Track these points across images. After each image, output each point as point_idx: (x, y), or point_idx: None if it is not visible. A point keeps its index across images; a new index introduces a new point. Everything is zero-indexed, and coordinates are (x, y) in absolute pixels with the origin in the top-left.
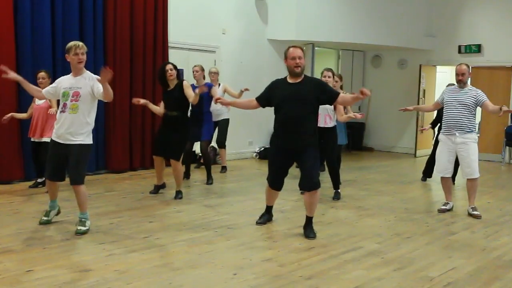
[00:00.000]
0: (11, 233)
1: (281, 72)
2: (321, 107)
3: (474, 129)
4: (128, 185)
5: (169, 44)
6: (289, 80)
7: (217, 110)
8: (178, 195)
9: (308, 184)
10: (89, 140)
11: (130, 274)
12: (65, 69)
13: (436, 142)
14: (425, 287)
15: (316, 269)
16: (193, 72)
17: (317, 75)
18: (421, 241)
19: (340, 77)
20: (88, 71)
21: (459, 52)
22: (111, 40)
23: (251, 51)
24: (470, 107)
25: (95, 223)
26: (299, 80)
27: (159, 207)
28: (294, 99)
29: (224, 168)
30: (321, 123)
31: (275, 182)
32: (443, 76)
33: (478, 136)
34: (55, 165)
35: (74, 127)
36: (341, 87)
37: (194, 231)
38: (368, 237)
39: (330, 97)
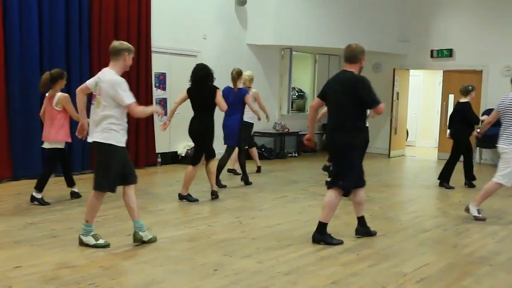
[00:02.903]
0: (0, 230)
1: (260, 75)
2: None
3: None
4: None
5: (152, 49)
6: None
7: (251, 113)
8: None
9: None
10: None
11: (115, 270)
12: (53, 67)
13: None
14: (399, 282)
15: (293, 265)
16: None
17: (295, 78)
18: (395, 238)
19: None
20: None
21: (432, 56)
22: (96, 45)
23: (231, 56)
24: None
25: (81, 222)
26: None
27: (143, 206)
28: None
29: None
30: None
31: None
32: (416, 80)
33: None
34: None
35: None
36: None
37: (176, 228)
38: (344, 234)
39: None
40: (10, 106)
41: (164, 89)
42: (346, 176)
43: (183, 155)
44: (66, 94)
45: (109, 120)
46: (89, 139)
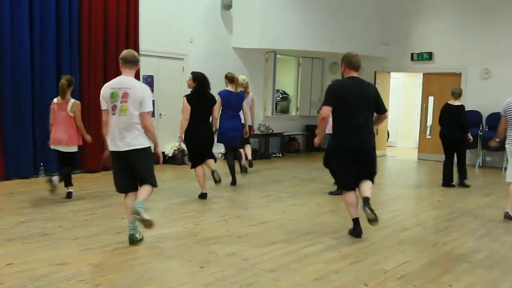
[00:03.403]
0: None
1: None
2: None
3: None
4: (101, 184)
5: (140, 52)
6: None
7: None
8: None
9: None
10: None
11: (104, 267)
12: (43, 72)
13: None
14: (380, 279)
15: (278, 263)
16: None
17: (279, 80)
18: (376, 236)
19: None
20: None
21: (412, 59)
22: (85, 49)
23: (217, 59)
24: None
25: (71, 220)
26: None
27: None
28: None
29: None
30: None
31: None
32: (397, 82)
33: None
34: None
35: None
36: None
37: (163, 227)
38: (327, 232)
39: None
40: (2, 108)
41: (152, 91)
42: (376, 171)
43: (170, 155)
44: (78, 101)
45: (139, 126)
46: (120, 148)
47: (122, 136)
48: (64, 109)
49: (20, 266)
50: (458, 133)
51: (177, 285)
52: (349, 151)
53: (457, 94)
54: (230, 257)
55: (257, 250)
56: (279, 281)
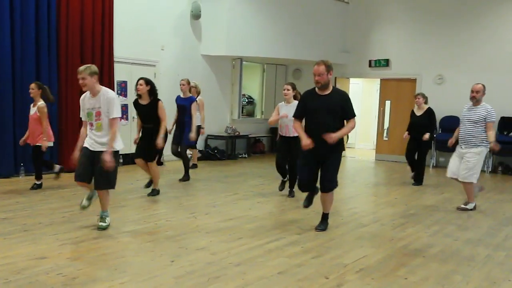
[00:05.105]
0: None
1: (213, 83)
2: (289, 119)
3: (480, 144)
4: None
5: (115, 59)
6: (318, 92)
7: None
8: (153, 192)
9: (327, 187)
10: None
11: (81, 261)
12: (23, 80)
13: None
14: (340, 272)
15: (244, 257)
16: (180, 85)
17: (245, 86)
18: (336, 232)
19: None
20: (104, 88)
21: (370, 66)
22: (63, 57)
23: (186, 65)
24: (478, 123)
25: (49, 217)
26: (327, 92)
27: None
28: (322, 109)
29: (194, 165)
30: (289, 133)
31: (306, 185)
32: (356, 87)
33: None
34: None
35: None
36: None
37: (136, 223)
38: (290, 228)
39: (346, 114)
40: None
41: (125, 95)
42: None
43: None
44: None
45: None
46: None
47: None
48: None
49: (1, 260)
50: None
51: (149, 278)
52: None
53: (426, 99)
54: (199, 251)
55: (225, 245)
56: (245, 274)
